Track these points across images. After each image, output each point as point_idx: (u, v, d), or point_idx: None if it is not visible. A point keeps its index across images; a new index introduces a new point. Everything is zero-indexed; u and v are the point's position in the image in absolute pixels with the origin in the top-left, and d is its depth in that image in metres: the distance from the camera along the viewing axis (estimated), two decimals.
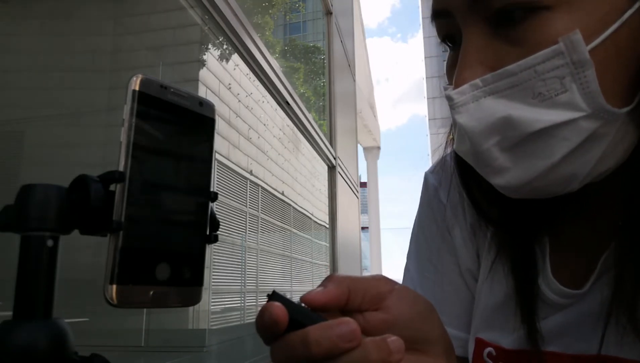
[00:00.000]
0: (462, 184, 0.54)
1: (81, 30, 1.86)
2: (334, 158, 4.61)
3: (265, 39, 3.79)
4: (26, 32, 1.61)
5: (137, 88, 0.33)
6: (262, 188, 3.46)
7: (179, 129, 0.36)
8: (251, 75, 2.84)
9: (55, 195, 0.31)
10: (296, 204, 4.39)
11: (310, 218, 4.84)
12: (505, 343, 0.52)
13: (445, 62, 0.47)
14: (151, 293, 0.33)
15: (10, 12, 1.54)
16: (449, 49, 0.46)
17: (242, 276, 3.02)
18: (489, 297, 0.55)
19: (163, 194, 0.34)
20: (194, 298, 0.35)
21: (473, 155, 0.41)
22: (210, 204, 0.37)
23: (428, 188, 0.63)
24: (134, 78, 0.33)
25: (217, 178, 2.68)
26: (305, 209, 4.65)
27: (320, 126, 4.39)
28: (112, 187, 0.33)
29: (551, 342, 0.48)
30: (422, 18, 33.34)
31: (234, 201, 2.93)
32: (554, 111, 0.37)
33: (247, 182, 3.15)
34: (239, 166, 3.04)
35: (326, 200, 4.81)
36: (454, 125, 0.42)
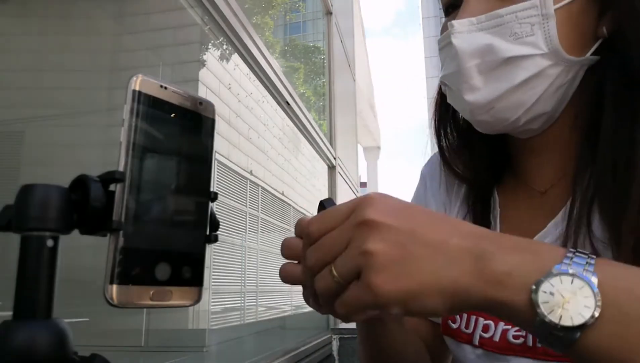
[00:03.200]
0: (437, 142, 0.66)
1: (81, 30, 1.86)
2: (334, 158, 4.61)
3: (265, 39, 3.78)
4: (26, 32, 1.61)
5: (136, 88, 0.33)
6: (262, 188, 3.46)
7: (179, 129, 0.36)
8: (251, 75, 2.84)
9: (55, 195, 0.31)
10: (296, 204, 4.39)
11: None
12: None
13: (442, 26, 0.59)
14: (151, 293, 0.33)
15: (10, 12, 1.54)
16: (445, 15, 0.58)
17: (242, 276, 3.01)
18: None
19: (163, 194, 0.34)
20: (194, 298, 0.35)
21: (457, 73, 0.53)
22: (210, 204, 0.37)
23: (422, 177, 0.75)
24: (134, 78, 0.33)
25: (217, 178, 2.68)
26: (305, 210, 4.65)
27: (320, 126, 4.38)
28: (112, 187, 0.32)
29: None
30: (422, 18, 33.34)
31: (234, 201, 2.93)
32: (522, 47, 0.50)
33: (247, 182, 3.15)
34: (239, 166, 3.04)
35: None
36: (448, 46, 0.53)
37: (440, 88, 0.63)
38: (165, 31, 2.46)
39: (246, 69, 2.76)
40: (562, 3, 0.50)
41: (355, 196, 5.16)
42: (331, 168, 4.66)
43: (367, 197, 0.35)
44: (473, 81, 0.52)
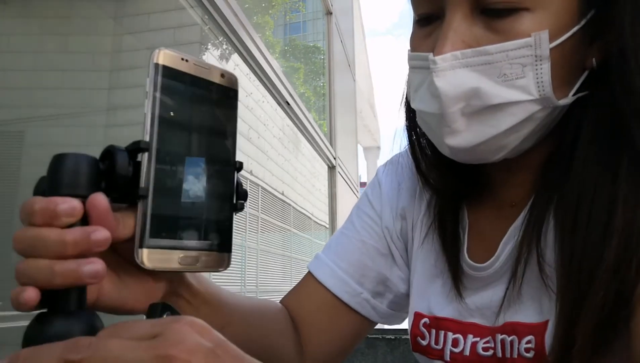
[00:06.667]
0: (412, 153, 0.62)
1: (81, 30, 1.86)
2: (334, 158, 4.62)
3: (265, 39, 3.78)
4: (26, 32, 1.61)
5: (158, 61, 0.35)
6: (262, 188, 3.46)
7: (202, 100, 0.37)
8: (251, 75, 2.84)
9: (85, 163, 0.32)
10: (296, 204, 4.39)
11: (310, 218, 4.84)
12: (437, 311, 0.58)
13: (412, 34, 0.53)
14: (179, 257, 0.34)
15: (10, 13, 1.54)
16: (418, 24, 0.52)
17: (242, 276, 3.02)
18: (425, 265, 0.62)
19: (188, 162, 0.36)
20: (222, 263, 0.37)
21: (439, 115, 0.47)
22: (236, 173, 0.39)
23: (376, 184, 0.71)
24: (156, 51, 0.35)
25: None
26: (305, 209, 4.65)
27: (320, 126, 4.39)
28: (139, 157, 0.34)
29: (475, 314, 0.55)
30: None
31: None
32: (511, 91, 0.45)
33: (247, 182, 3.15)
34: None
35: (326, 200, 4.81)
36: (430, 85, 0.47)
37: (407, 97, 0.58)
38: (165, 31, 2.46)
39: (246, 69, 2.76)
40: (557, 42, 0.45)
41: (355, 194, 5.12)
42: (331, 168, 4.66)
43: (176, 325, 0.28)
44: (456, 124, 0.47)
